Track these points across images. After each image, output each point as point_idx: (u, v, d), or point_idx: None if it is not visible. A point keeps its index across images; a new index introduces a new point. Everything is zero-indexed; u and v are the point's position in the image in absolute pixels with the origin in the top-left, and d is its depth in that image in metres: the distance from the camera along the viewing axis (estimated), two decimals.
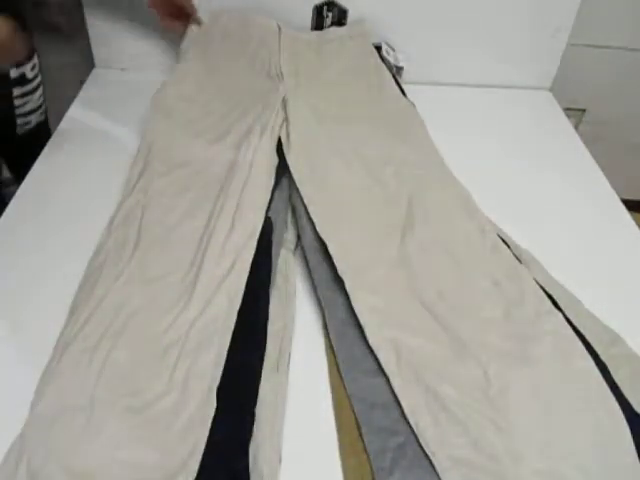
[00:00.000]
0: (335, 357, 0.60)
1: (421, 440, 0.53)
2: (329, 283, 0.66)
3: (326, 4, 0.96)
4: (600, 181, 0.87)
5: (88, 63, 1.03)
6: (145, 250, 0.66)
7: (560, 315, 0.63)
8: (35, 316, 0.62)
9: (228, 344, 0.57)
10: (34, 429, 0.51)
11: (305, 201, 0.72)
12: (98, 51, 1.01)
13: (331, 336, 0.62)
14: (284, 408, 0.55)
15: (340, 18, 0.98)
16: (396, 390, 0.56)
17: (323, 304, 0.64)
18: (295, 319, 0.64)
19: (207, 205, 0.71)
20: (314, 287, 0.66)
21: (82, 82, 0.99)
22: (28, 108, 0.87)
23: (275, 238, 0.69)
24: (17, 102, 0.84)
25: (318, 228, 0.69)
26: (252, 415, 0.53)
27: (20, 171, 0.82)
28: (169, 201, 0.72)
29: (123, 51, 1.01)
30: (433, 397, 0.56)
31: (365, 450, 0.53)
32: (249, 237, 0.66)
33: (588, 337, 0.61)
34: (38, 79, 0.87)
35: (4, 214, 0.73)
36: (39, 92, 0.88)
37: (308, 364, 0.60)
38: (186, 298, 0.61)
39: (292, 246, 0.71)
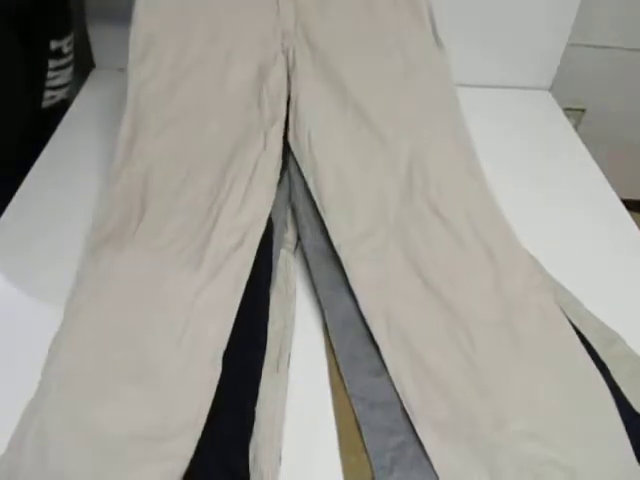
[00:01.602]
0: (335, 357, 0.60)
1: (405, 405, 0.55)
2: (329, 283, 0.66)
3: None
4: (600, 181, 0.87)
5: (88, 63, 1.03)
6: (150, 221, 0.67)
7: (548, 292, 0.64)
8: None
9: (235, 314, 0.58)
10: (45, 393, 0.53)
11: (305, 175, 0.72)
12: (98, 51, 1.01)
13: (331, 336, 0.62)
14: (284, 408, 0.55)
15: None
16: (384, 357, 0.58)
17: (323, 304, 0.64)
18: (295, 319, 0.64)
19: (214, 171, 0.71)
20: (314, 287, 0.66)
21: (82, 82, 0.99)
22: (58, 82, 0.88)
23: (275, 238, 0.69)
24: (50, 74, 0.86)
25: (316, 200, 0.69)
26: (252, 415, 0.53)
27: (35, 144, 0.84)
28: (170, 166, 0.72)
29: (123, 51, 1.01)
30: (419, 363, 0.57)
31: (365, 449, 0.53)
32: (261, 213, 0.67)
33: (588, 337, 0.61)
34: (71, 56, 0.89)
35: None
36: (70, 69, 0.90)
37: (308, 364, 0.60)
38: (194, 267, 0.61)
39: (292, 246, 0.71)
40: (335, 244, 0.66)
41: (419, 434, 0.53)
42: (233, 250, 0.63)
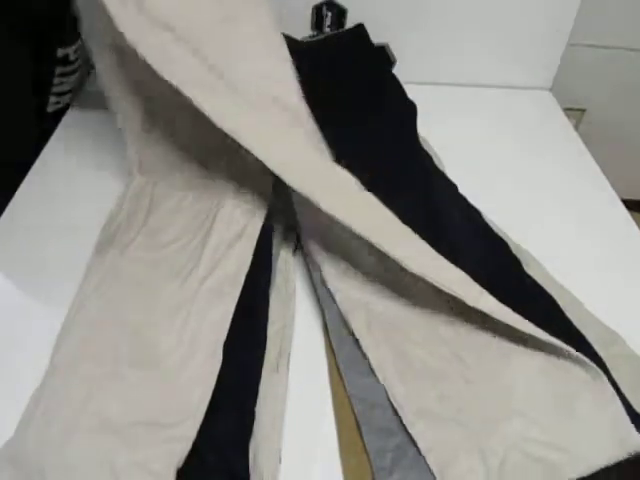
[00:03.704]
0: (335, 357, 0.60)
1: (389, 395, 0.55)
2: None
3: (325, 4, 0.96)
4: (600, 181, 0.87)
5: (88, 63, 1.02)
6: (156, 220, 0.69)
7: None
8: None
9: (235, 304, 0.59)
10: (51, 378, 0.54)
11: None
12: None
13: (331, 336, 0.62)
14: (284, 408, 0.55)
15: (339, 18, 0.98)
16: (365, 349, 0.59)
17: (323, 304, 0.64)
18: (295, 319, 0.64)
19: (219, 172, 0.74)
20: (314, 287, 0.66)
21: (82, 82, 0.99)
22: (63, 89, 0.89)
23: (275, 239, 0.69)
24: (56, 81, 0.87)
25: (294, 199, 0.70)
26: (252, 415, 0.53)
27: (40, 145, 0.85)
28: (182, 175, 0.75)
29: None
30: (401, 356, 0.58)
31: (365, 450, 0.53)
32: (260, 204, 0.69)
33: (588, 337, 0.61)
34: (78, 62, 0.89)
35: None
36: (76, 75, 0.90)
37: (308, 364, 0.60)
38: (196, 260, 0.63)
39: (292, 246, 0.71)
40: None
41: (405, 423, 0.53)
42: (233, 242, 0.64)
